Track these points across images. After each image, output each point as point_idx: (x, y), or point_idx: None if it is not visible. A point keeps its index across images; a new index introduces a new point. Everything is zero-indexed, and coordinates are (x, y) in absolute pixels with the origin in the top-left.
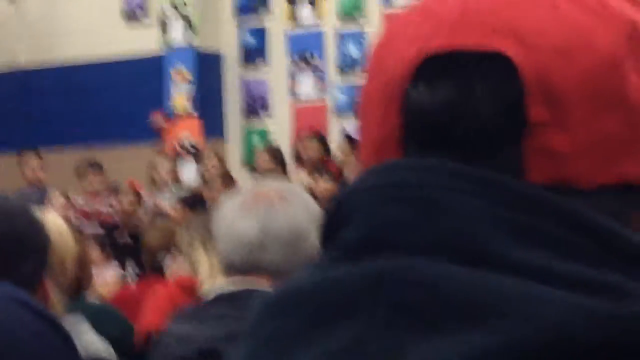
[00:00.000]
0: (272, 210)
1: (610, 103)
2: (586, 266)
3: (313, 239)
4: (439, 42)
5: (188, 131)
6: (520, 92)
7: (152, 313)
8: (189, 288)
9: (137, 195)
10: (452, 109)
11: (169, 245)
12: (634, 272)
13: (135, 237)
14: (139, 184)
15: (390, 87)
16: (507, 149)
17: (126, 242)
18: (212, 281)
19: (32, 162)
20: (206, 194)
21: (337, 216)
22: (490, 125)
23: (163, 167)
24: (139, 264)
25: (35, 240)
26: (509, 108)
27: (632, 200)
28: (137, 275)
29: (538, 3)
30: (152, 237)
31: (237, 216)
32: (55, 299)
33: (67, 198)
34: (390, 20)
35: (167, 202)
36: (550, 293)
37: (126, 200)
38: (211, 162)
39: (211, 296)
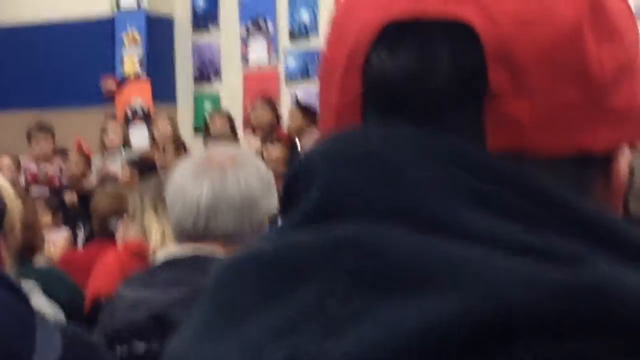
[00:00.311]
0: (224, 176)
1: (570, 73)
2: (539, 235)
3: (265, 205)
4: (401, 8)
5: (139, 95)
6: (482, 59)
7: (102, 278)
8: (139, 253)
9: (85, 157)
10: (413, 75)
11: (119, 209)
12: (587, 242)
13: (85, 200)
14: (87, 146)
15: (352, 53)
16: (467, 116)
17: (76, 206)
18: (164, 246)
19: None
20: (157, 157)
21: (296, 182)
22: (451, 92)
23: (113, 130)
24: (90, 228)
25: None
26: (470, 75)
27: (591, 171)
28: (88, 239)
29: None
30: (101, 201)
31: (188, 181)
32: (8, 263)
33: (17, 161)
34: None
35: (117, 166)
36: (500, 260)
37: (74, 162)
38: (162, 125)
39: (161, 261)
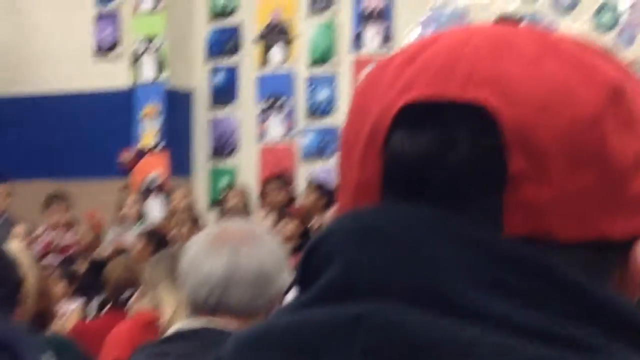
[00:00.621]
0: (238, 251)
1: (589, 160)
2: (556, 321)
3: (279, 280)
4: (421, 90)
5: (156, 168)
6: (500, 144)
7: (113, 348)
8: (151, 325)
9: (96, 228)
10: (432, 158)
11: (132, 280)
12: (604, 329)
13: (98, 270)
14: (98, 216)
15: (372, 133)
16: (485, 199)
17: (88, 276)
18: (176, 319)
19: (0, 192)
20: (172, 230)
21: (314, 258)
22: (469, 176)
23: (129, 203)
24: (102, 298)
25: (8, 269)
26: (489, 159)
27: (609, 257)
28: (100, 309)
29: (522, 57)
30: (113, 272)
31: (203, 255)
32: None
33: (31, 231)
34: (374, 64)
35: (132, 238)
36: (519, 346)
37: (84, 232)
38: (178, 198)
39: (171, 333)
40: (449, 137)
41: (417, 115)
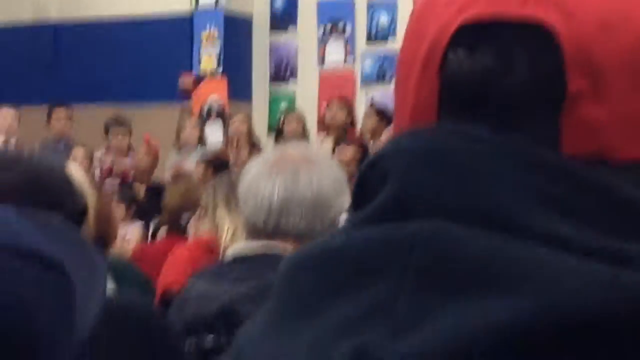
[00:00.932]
0: (297, 174)
1: None
2: (618, 240)
3: (337, 204)
4: (480, 8)
5: (215, 93)
6: (560, 62)
7: (172, 272)
8: (209, 248)
9: (154, 152)
10: (491, 76)
11: (191, 205)
12: None
13: (158, 195)
14: (155, 141)
15: (429, 52)
16: (544, 119)
17: (147, 199)
18: (234, 243)
19: (60, 116)
20: (231, 155)
21: (370, 178)
22: (528, 95)
23: (189, 128)
24: (162, 222)
25: (72, 194)
26: (548, 78)
27: None
28: (159, 233)
29: None
30: (173, 197)
31: (261, 179)
32: None
33: (90, 154)
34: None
35: (192, 162)
36: (578, 265)
37: (141, 157)
38: (238, 123)
39: (231, 257)
40: (508, 56)
41: (475, 35)
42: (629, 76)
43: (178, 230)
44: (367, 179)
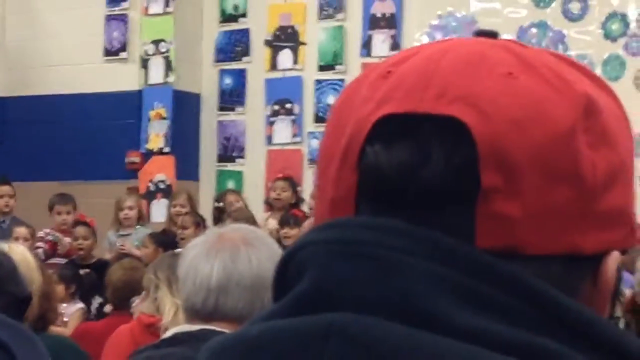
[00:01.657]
0: (236, 255)
1: (562, 175)
2: (527, 332)
3: None
4: (395, 105)
5: (162, 170)
6: (474, 157)
7: (113, 352)
8: (151, 328)
9: (90, 230)
10: (407, 170)
11: (134, 283)
12: (574, 340)
13: (99, 273)
14: (91, 218)
15: (348, 145)
16: (459, 212)
17: (89, 278)
18: (176, 323)
19: (3, 193)
20: (178, 233)
21: (288, 269)
22: (443, 189)
23: (130, 206)
24: (102, 301)
25: (16, 280)
26: (462, 173)
27: (579, 271)
28: (100, 312)
29: (496, 72)
30: (116, 275)
31: (200, 260)
32: None
33: (33, 233)
34: (351, 80)
35: (132, 242)
36: (490, 357)
37: (79, 234)
38: (180, 201)
39: (168, 337)
40: (423, 150)
41: (391, 129)
42: (541, 172)
43: (122, 308)
44: (285, 269)
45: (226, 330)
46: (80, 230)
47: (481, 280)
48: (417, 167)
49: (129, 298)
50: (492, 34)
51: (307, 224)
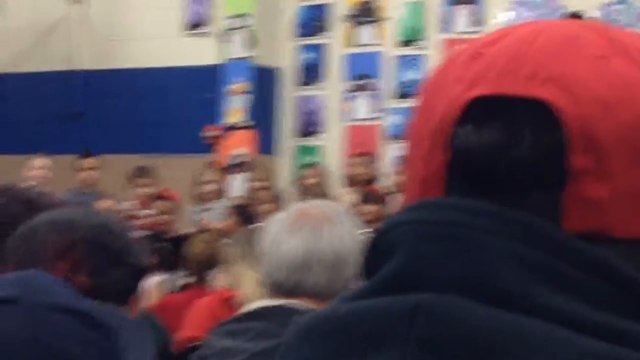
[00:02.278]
0: (318, 232)
1: None
2: (613, 315)
3: (358, 263)
4: (487, 86)
5: (241, 145)
6: (564, 139)
7: (193, 325)
8: (230, 301)
9: (173, 204)
10: (498, 151)
11: (214, 257)
12: None
13: (179, 246)
14: (174, 193)
15: (438, 126)
16: (547, 195)
17: (170, 251)
18: (255, 298)
19: (88, 166)
20: (254, 208)
21: (378, 248)
22: (533, 170)
23: (211, 181)
24: (184, 274)
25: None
26: (552, 155)
27: None
28: (182, 285)
29: (588, 54)
30: (196, 249)
31: (282, 236)
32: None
33: (116, 203)
34: (442, 60)
35: (212, 216)
36: (572, 338)
37: (160, 210)
38: (259, 176)
39: (250, 311)
40: (513, 132)
41: (482, 111)
42: (630, 154)
43: (202, 281)
44: (375, 249)
45: (308, 306)
46: (161, 205)
47: (568, 262)
48: (507, 148)
49: (208, 271)
50: (580, 16)
51: (398, 202)
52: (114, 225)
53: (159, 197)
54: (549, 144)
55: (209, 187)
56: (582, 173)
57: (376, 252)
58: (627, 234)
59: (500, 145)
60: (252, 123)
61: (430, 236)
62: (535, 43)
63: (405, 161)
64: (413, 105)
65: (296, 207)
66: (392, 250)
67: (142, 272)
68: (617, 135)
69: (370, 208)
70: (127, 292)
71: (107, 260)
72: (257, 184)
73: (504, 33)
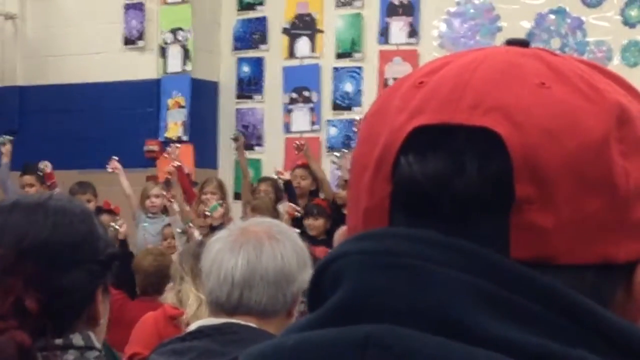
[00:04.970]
0: (260, 249)
1: (595, 185)
2: (563, 343)
3: (300, 279)
4: (430, 116)
5: (181, 158)
6: (508, 168)
7: (138, 341)
8: (175, 319)
9: (115, 216)
10: (442, 181)
11: (162, 271)
12: (611, 352)
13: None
14: (116, 206)
15: (381, 156)
16: (492, 223)
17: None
18: (199, 316)
19: (26, 181)
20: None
21: (324, 278)
22: (477, 199)
23: (156, 193)
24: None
25: None
26: (496, 183)
27: (612, 280)
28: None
29: (529, 82)
30: (145, 262)
31: (224, 254)
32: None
33: None
34: (384, 89)
35: (156, 230)
36: None
37: (104, 220)
38: (210, 189)
39: (193, 330)
40: (457, 161)
41: (426, 140)
42: (574, 182)
43: (148, 294)
44: (320, 280)
45: (250, 324)
46: (105, 218)
47: (516, 291)
48: (451, 177)
49: (158, 284)
50: (524, 43)
51: (339, 234)
52: (66, 218)
53: (101, 210)
54: (494, 172)
55: (155, 201)
56: (526, 201)
57: (322, 282)
58: (573, 261)
59: (444, 175)
60: (191, 137)
61: (378, 266)
62: (477, 71)
63: (348, 189)
64: (353, 114)
65: (238, 224)
66: (339, 280)
67: (107, 265)
68: (561, 163)
69: (316, 222)
70: (89, 293)
71: (61, 264)
72: (209, 197)
73: (446, 61)
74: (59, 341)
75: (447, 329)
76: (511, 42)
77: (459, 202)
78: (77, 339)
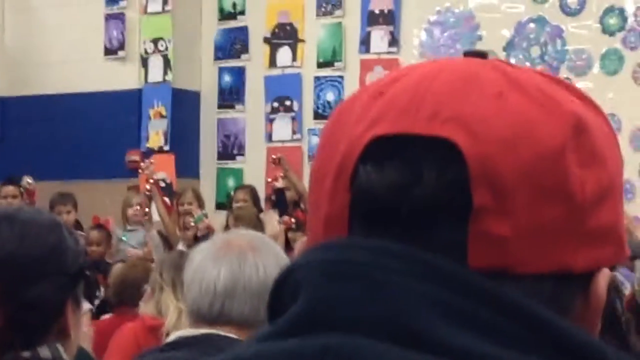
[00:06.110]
0: (243, 260)
1: (551, 194)
2: (520, 353)
3: None
4: (388, 125)
5: (163, 169)
6: (465, 177)
7: (116, 351)
8: (155, 330)
9: (104, 234)
10: (399, 190)
11: (139, 282)
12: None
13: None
14: (105, 220)
15: (339, 166)
16: (450, 231)
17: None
18: (179, 327)
19: (6, 192)
20: (180, 233)
21: (284, 288)
22: (435, 208)
23: (138, 202)
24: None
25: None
26: (453, 192)
27: (570, 289)
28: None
29: (486, 93)
30: (123, 273)
31: (206, 264)
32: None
33: None
34: (349, 77)
35: (138, 239)
36: None
37: (94, 239)
38: (187, 199)
39: (173, 340)
40: (415, 170)
41: (384, 149)
42: (531, 191)
43: (125, 306)
44: (281, 289)
45: (231, 335)
46: (94, 234)
47: (474, 301)
48: (409, 186)
49: (129, 295)
50: (482, 54)
51: (300, 243)
52: (33, 230)
53: (95, 226)
54: (451, 181)
55: (137, 210)
56: (483, 211)
57: (283, 292)
58: (532, 270)
59: (402, 184)
60: (172, 147)
61: (337, 276)
62: (435, 82)
63: (309, 198)
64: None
65: (221, 236)
66: (297, 291)
67: (76, 278)
68: (518, 172)
69: (296, 234)
70: (58, 306)
71: (28, 277)
72: (186, 207)
73: (404, 72)
74: (26, 354)
75: (405, 339)
76: (469, 54)
77: (417, 211)
78: (44, 352)
